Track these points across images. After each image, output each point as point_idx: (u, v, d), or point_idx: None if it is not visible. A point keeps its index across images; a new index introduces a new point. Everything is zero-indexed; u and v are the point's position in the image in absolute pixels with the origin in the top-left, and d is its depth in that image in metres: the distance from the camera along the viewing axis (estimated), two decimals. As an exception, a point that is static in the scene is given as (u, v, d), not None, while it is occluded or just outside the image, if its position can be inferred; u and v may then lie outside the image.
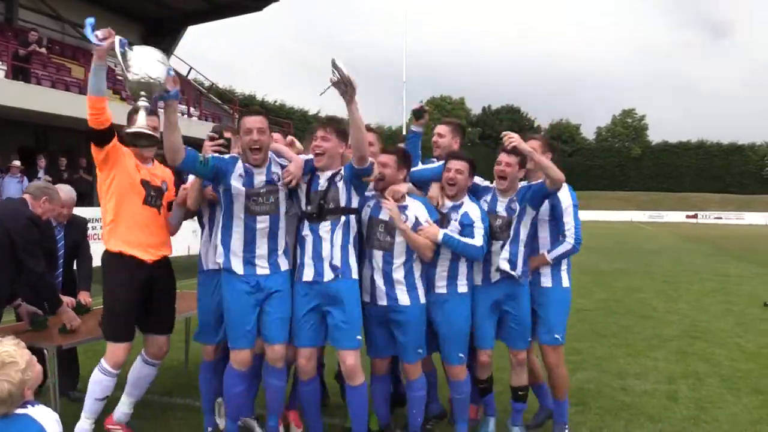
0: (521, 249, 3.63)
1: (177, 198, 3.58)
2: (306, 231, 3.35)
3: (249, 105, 37.08)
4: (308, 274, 3.32)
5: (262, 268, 3.29)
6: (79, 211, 6.93)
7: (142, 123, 2.75)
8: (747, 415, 4.41)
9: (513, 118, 67.39)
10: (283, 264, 3.37)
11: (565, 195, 3.71)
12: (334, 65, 2.91)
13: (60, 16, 20.91)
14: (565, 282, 3.81)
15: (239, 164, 3.29)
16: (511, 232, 3.61)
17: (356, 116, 3.09)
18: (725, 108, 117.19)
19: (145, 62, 2.80)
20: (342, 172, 3.35)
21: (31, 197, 3.80)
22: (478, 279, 3.68)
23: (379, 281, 3.42)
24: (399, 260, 3.41)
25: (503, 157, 3.59)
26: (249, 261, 3.28)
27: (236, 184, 3.24)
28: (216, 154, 3.34)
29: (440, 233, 3.37)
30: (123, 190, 3.39)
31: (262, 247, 3.29)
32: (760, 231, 34.59)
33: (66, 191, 4.34)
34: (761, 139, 65.75)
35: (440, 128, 4.07)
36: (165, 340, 3.63)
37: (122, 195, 3.40)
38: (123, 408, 3.61)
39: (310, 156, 3.43)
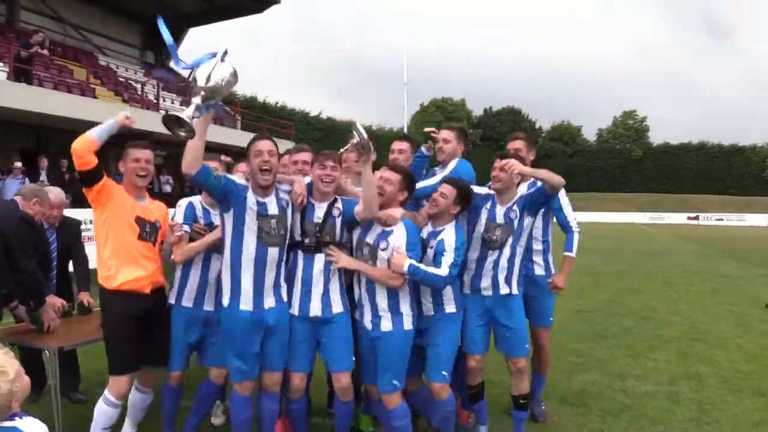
0: (516, 263, 3.64)
1: (165, 238, 3.53)
2: (300, 262, 3.35)
3: (250, 107, 37.15)
4: (301, 308, 3.35)
5: (269, 301, 3.28)
6: (78, 213, 6.94)
7: (188, 113, 2.69)
8: (748, 416, 4.41)
9: (514, 120, 67.32)
10: (284, 294, 3.36)
11: (562, 191, 3.93)
12: (356, 129, 3.07)
13: (61, 17, 20.95)
14: (553, 268, 4.12)
15: (250, 193, 3.24)
16: (508, 249, 3.60)
17: (369, 174, 3.19)
18: (726, 109, 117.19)
19: (224, 71, 2.80)
20: (340, 206, 3.37)
21: (22, 198, 3.81)
22: (468, 289, 3.68)
23: (365, 303, 3.41)
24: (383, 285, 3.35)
25: (498, 162, 3.60)
26: (258, 295, 3.24)
27: (250, 212, 3.20)
28: (233, 177, 3.32)
29: (406, 264, 3.24)
30: (118, 226, 3.36)
31: (269, 280, 3.26)
32: (761, 232, 34.54)
33: (55, 193, 4.35)
34: (762, 141, 65.73)
35: (445, 133, 4.07)
36: (152, 372, 3.60)
37: (117, 231, 3.36)
38: (125, 429, 3.65)
39: (307, 179, 3.45)
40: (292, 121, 27.84)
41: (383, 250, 3.32)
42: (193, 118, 2.66)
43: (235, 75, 2.83)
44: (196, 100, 2.73)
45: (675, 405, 4.62)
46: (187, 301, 3.59)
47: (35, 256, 3.77)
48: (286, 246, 3.31)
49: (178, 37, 25.46)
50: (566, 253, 4.06)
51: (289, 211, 3.32)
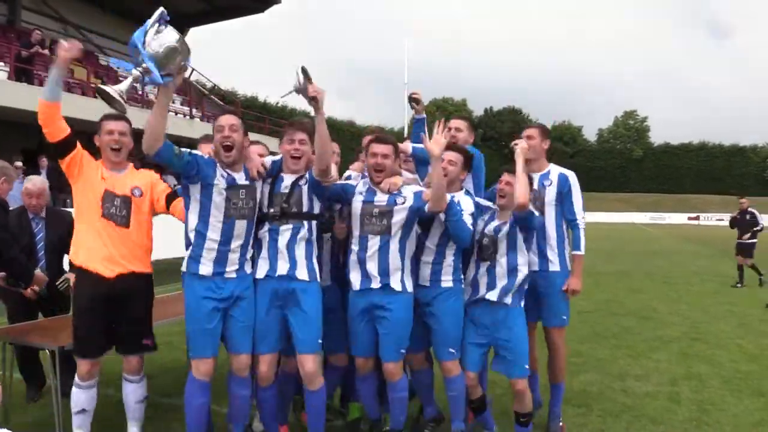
0: (519, 278, 3.57)
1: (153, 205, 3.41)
2: (265, 232, 3.29)
3: (251, 106, 37.14)
4: (263, 270, 3.27)
5: (230, 272, 3.20)
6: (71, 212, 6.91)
7: (121, 87, 2.61)
8: (749, 416, 4.40)
9: (515, 120, 67.28)
10: (248, 267, 3.29)
11: (575, 182, 3.92)
12: (298, 71, 2.99)
13: (62, 17, 20.95)
14: (568, 264, 3.94)
15: (219, 166, 3.20)
16: (506, 263, 3.55)
17: (322, 128, 3.10)
18: (727, 109, 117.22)
19: (167, 37, 2.72)
20: (306, 176, 3.34)
21: None
22: (466, 298, 3.66)
23: (372, 266, 3.35)
24: (395, 243, 3.35)
25: (506, 176, 3.58)
26: (219, 268, 3.17)
27: (219, 183, 3.16)
28: (197, 152, 3.25)
29: (447, 197, 3.33)
30: (83, 203, 3.28)
31: (234, 253, 3.20)
32: (762, 233, 34.52)
33: (34, 181, 4.32)
34: (763, 141, 65.81)
35: (457, 122, 4.03)
36: (136, 358, 3.46)
37: (82, 207, 3.29)
38: (131, 430, 3.53)
39: (276, 157, 3.40)
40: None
41: (402, 203, 3.35)
42: (127, 91, 2.59)
43: (181, 41, 2.72)
44: (135, 71, 2.66)
45: (676, 405, 4.62)
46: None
47: (10, 240, 3.69)
48: (254, 220, 3.27)
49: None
50: (575, 252, 3.91)
51: (258, 184, 3.28)
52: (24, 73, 14.56)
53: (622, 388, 4.99)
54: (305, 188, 3.31)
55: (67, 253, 4.40)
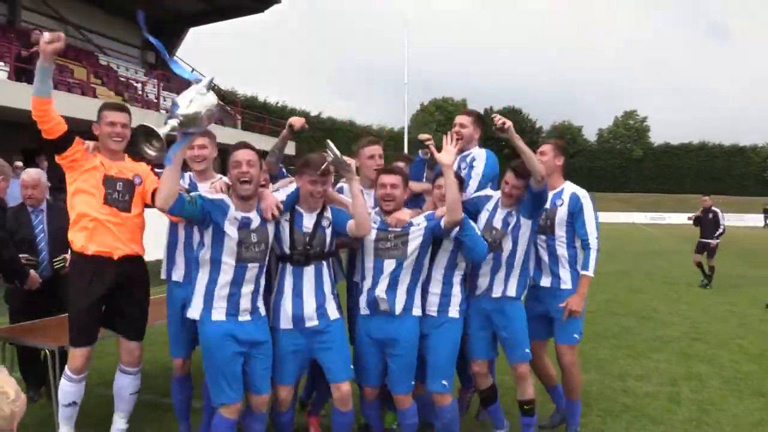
0: (516, 266, 3.62)
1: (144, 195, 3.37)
2: (288, 274, 3.24)
3: (251, 106, 37.10)
4: (295, 320, 3.22)
5: (245, 315, 3.10)
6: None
7: (164, 130, 2.55)
8: (749, 417, 4.40)
9: (515, 120, 66.39)
10: (263, 311, 3.21)
11: (588, 203, 3.84)
12: (328, 147, 3.11)
13: (62, 17, 20.96)
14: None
15: (232, 207, 3.07)
16: (506, 252, 3.58)
17: (357, 190, 3.22)
18: (727, 109, 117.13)
19: (209, 101, 2.68)
20: (330, 216, 3.31)
21: None
22: (472, 292, 3.67)
23: (384, 292, 3.32)
24: (408, 271, 3.34)
25: (511, 179, 3.53)
26: (232, 312, 3.07)
27: (231, 224, 3.03)
28: (203, 194, 3.10)
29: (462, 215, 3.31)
30: (84, 189, 3.25)
31: (246, 297, 3.09)
32: (762, 233, 34.53)
33: (29, 172, 4.32)
34: (763, 141, 65.76)
35: (461, 119, 3.99)
36: (135, 346, 3.45)
37: (82, 194, 3.26)
38: (117, 425, 3.52)
39: (290, 190, 3.32)
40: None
41: (418, 231, 3.34)
42: (166, 137, 2.51)
43: (219, 107, 2.73)
44: (173, 122, 2.60)
45: (676, 405, 4.62)
46: (179, 277, 3.43)
47: (6, 237, 3.73)
48: (266, 263, 3.17)
49: (178, 37, 25.49)
50: (583, 272, 3.78)
51: (270, 225, 3.16)
52: (24, 72, 14.58)
53: (622, 388, 4.99)
54: (329, 231, 3.29)
55: (69, 246, 4.46)
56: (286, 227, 3.24)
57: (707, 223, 12.00)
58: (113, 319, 3.39)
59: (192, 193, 3.02)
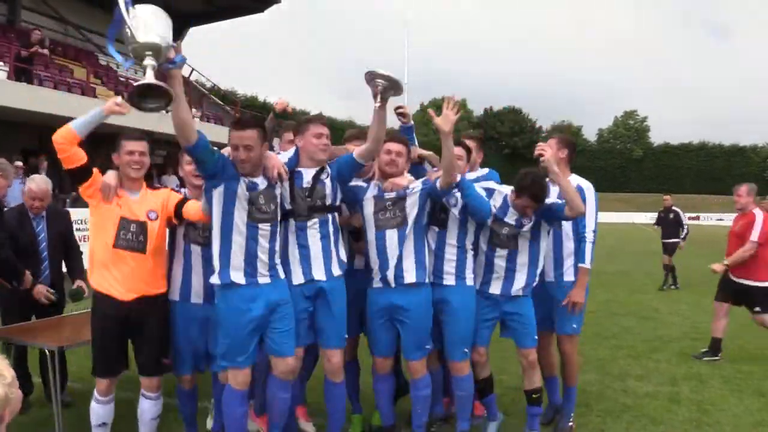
0: (538, 271, 3.70)
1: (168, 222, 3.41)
2: (292, 229, 3.29)
3: (251, 106, 37.09)
4: (298, 276, 3.27)
5: (263, 276, 3.14)
6: (77, 212, 6.89)
7: (150, 78, 2.50)
8: (749, 417, 4.40)
9: (514, 120, 67.29)
10: (281, 271, 3.24)
11: (591, 195, 3.85)
12: (377, 75, 3.11)
13: (62, 17, 20.95)
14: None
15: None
16: (528, 257, 3.63)
17: (385, 114, 3.27)
18: (727, 109, 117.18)
19: (152, 22, 2.56)
20: (329, 170, 3.37)
21: None
22: (478, 282, 3.68)
23: (391, 263, 3.39)
24: (410, 239, 3.41)
25: (527, 201, 3.48)
26: (250, 272, 3.11)
27: (241, 186, 3.10)
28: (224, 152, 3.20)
29: (458, 175, 3.38)
30: (97, 230, 3.30)
31: (263, 257, 3.14)
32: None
33: (37, 182, 4.28)
34: (763, 141, 65.78)
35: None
36: (156, 377, 3.47)
37: (96, 234, 3.31)
38: None
39: (290, 153, 3.41)
40: (292, 121, 27.75)
41: (413, 193, 3.42)
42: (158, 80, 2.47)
43: (164, 14, 2.60)
44: (149, 61, 2.53)
45: (676, 405, 4.62)
46: (196, 298, 3.46)
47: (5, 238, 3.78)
48: (278, 223, 3.22)
49: (178, 36, 25.41)
50: (581, 265, 3.85)
51: (277, 187, 3.23)
52: (24, 72, 14.57)
53: (622, 388, 4.99)
54: (328, 182, 3.33)
55: (70, 250, 4.46)
56: (287, 185, 3.30)
57: (669, 223, 11.76)
58: (126, 354, 3.42)
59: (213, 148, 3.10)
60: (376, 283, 3.48)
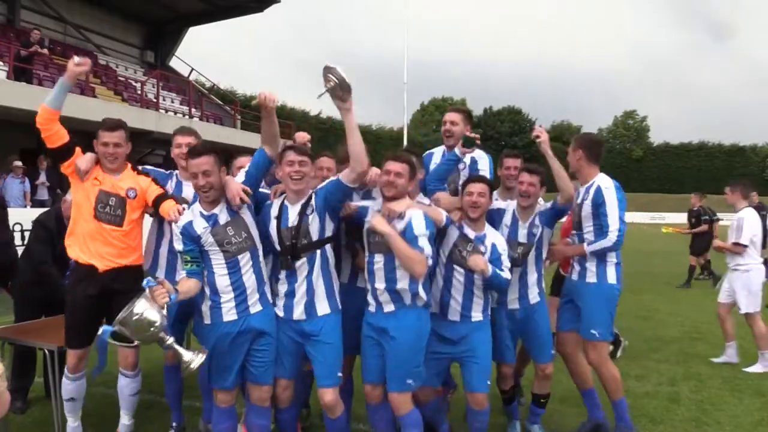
0: (540, 271, 3.77)
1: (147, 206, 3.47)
2: (281, 271, 3.19)
3: (250, 106, 37.04)
4: (281, 311, 3.21)
5: (254, 306, 3.14)
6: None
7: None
8: (749, 417, 4.40)
9: (514, 120, 67.32)
10: (270, 297, 3.22)
11: (610, 194, 3.75)
12: (330, 71, 2.87)
13: (62, 17, 20.92)
14: (611, 278, 3.78)
15: (198, 218, 3.11)
16: (534, 266, 3.71)
17: (352, 122, 3.00)
18: (727, 109, 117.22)
19: (143, 323, 2.74)
20: (313, 201, 3.19)
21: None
22: (494, 303, 3.68)
23: (379, 286, 3.20)
24: (400, 266, 3.16)
25: (525, 177, 3.62)
26: (241, 302, 3.11)
27: (205, 237, 3.07)
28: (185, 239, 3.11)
29: (489, 269, 3.25)
30: (78, 204, 3.43)
31: (250, 285, 3.12)
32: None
33: None
34: (763, 141, 65.80)
35: (452, 116, 3.97)
36: (129, 352, 3.53)
37: (77, 208, 3.44)
38: (122, 420, 3.67)
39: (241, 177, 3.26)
40: (291, 121, 27.73)
41: (400, 226, 3.14)
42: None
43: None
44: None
45: (675, 405, 4.62)
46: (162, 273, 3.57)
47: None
48: (258, 249, 3.16)
49: (178, 36, 25.46)
50: (584, 244, 3.76)
51: (246, 213, 3.15)
52: (23, 72, 14.55)
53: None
54: (312, 217, 3.16)
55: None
56: (273, 224, 3.20)
57: (693, 225, 12.12)
58: (108, 323, 3.38)
59: (185, 256, 3.07)
60: (370, 306, 3.30)
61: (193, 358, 2.82)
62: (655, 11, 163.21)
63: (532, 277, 3.74)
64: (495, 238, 3.47)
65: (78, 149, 3.39)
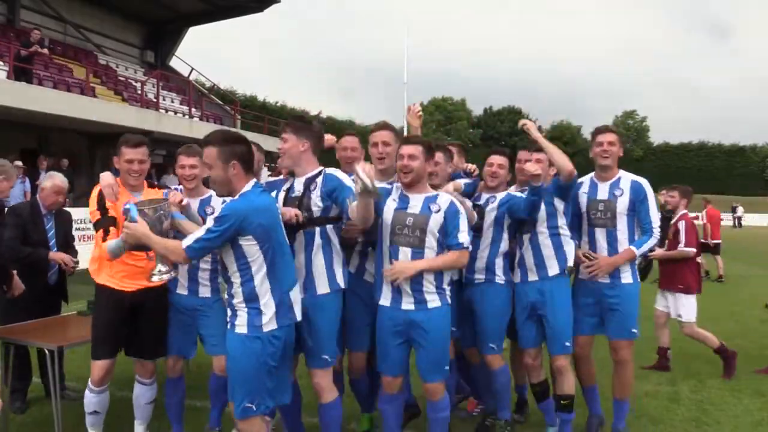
0: (547, 245, 3.70)
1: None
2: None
3: (250, 106, 37.10)
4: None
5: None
6: (78, 212, 6.83)
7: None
8: (749, 416, 4.41)
9: (514, 119, 66.99)
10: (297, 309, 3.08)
11: (650, 189, 3.79)
12: (360, 176, 2.80)
13: (62, 17, 20.92)
14: (637, 277, 3.89)
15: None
16: (527, 236, 3.74)
17: (371, 203, 3.01)
18: (727, 109, 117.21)
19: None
20: (319, 183, 3.16)
21: None
22: (517, 277, 3.77)
23: (405, 282, 3.12)
24: (428, 256, 3.13)
25: (497, 158, 3.79)
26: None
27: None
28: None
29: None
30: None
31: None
32: (762, 232, 34.50)
33: (62, 178, 4.44)
34: (763, 141, 65.90)
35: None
36: (151, 363, 3.62)
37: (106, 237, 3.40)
38: (137, 429, 3.68)
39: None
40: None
41: (436, 212, 3.13)
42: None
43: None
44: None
45: (675, 405, 4.62)
46: (181, 289, 3.58)
47: None
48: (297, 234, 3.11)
49: (178, 36, 25.48)
50: (632, 247, 3.71)
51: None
52: (23, 72, 14.55)
53: (621, 388, 4.98)
54: (315, 194, 3.14)
55: (69, 249, 4.48)
56: (281, 196, 3.24)
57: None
58: (130, 341, 3.51)
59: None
60: (385, 302, 3.22)
61: (167, 271, 2.96)
62: (655, 11, 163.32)
63: (529, 250, 3.73)
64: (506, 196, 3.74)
65: (113, 213, 3.36)
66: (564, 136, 68.62)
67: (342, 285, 3.20)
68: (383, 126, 3.65)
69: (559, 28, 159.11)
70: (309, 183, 3.18)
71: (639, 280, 3.89)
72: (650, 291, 5.71)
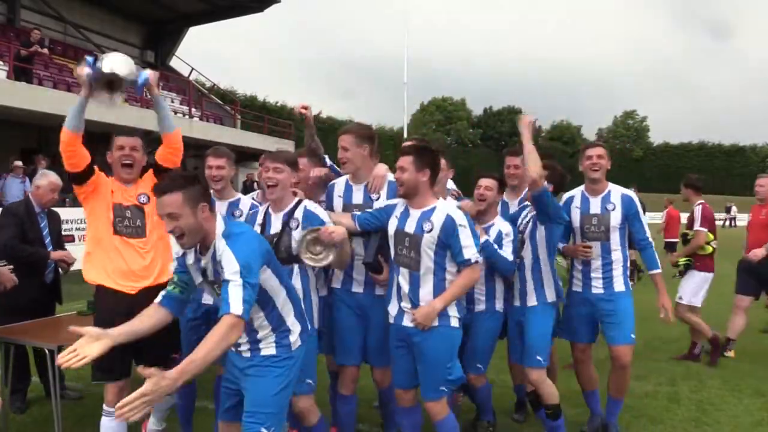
0: (543, 272, 3.73)
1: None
2: None
3: (250, 106, 37.08)
4: None
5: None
6: (77, 212, 6.79)
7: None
8: (748, 416, 4.40)
9: (514, 120, 67.10)
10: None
11: (640, 206, 3.95)
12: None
13: (62, 16, 20.93)
14: (629, 283, 4.02)
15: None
16: (528, 261, 3.73)
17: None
18: (727, 109, 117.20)
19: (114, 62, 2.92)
20: (299, 216, 3.07)
21: None
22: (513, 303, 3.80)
23: (405, 301, 3.10)
24: (425, 281, 3.05)
25: (483, 181, 3.72)
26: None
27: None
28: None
29: (483, 237, 3.41)
30: (96, 221, 3.20)
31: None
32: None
33: (54, 175, 4.46)
34: (763, 141, 65.91)
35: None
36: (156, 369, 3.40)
37: (95, 226, 3.21)
38: (150, 425, 3.67)
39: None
40: (291, 121, 27.73)
41: (428, 232, 3.01)
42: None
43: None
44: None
45: (675, 405, 4.62)
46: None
47: None
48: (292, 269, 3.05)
49: (178, 36, 25.48)
50: (655, 271, 3.90)
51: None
52: (23, 72, 14.56)
53: (621, 388, 4.98)
54: (296, 233, 3.05)
55: (60, 249, 4.48)
56: (257, 230, 3.08)
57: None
58: (138, 351, 3.17)
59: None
60: (390, 318, 3.20)
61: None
62: (655, 11, 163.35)
63: (524, 278, 3.74)
64: (501, 225, 3.67)
65: (96, 169, 3.22)
66: (564, 136, 68.69)
67: (312, 327, 3.03)
68: (343, 130, 3.48)
69: (559, 28, 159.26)
70: (288, 220, 3.09)
71: (630, 286, 4.00)
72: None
